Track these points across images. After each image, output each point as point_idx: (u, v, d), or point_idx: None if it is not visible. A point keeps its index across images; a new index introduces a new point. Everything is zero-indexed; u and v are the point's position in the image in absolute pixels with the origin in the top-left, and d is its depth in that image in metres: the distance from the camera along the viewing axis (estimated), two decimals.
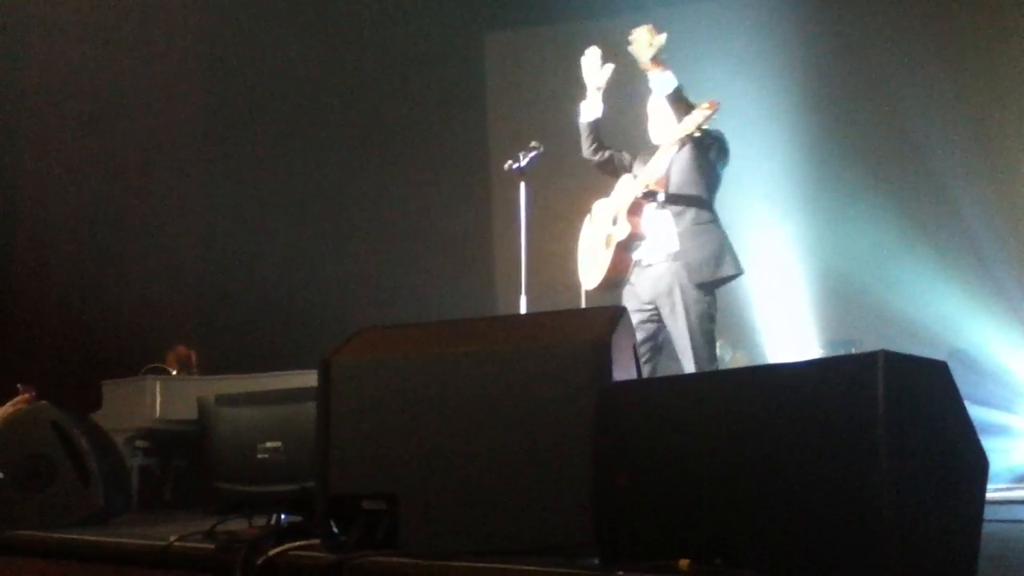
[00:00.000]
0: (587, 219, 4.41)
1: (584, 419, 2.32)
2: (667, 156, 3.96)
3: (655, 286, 3.97)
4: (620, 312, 2.81)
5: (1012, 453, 6.23)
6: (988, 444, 5.81)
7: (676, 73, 4.06)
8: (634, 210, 4.02)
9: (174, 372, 6.67)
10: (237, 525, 3.03)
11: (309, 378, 2.89)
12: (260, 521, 3.08)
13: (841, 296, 7.76)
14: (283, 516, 3.01)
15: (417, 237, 9.08)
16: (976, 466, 1.98)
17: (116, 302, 7.91)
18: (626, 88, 4.37)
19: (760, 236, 7.06)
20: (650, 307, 4.00)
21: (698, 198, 3.97)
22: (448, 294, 8.23)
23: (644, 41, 3.93)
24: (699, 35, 7.54)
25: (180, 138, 8.63)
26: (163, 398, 6.01)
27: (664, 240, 3.99)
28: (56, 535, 3.44)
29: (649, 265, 4.02)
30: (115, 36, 8.26)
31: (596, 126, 4.29)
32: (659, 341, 4.04)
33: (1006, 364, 6.93)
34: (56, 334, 7.68)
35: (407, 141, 9.32)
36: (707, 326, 3.88)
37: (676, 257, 3.93)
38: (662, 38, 3.95)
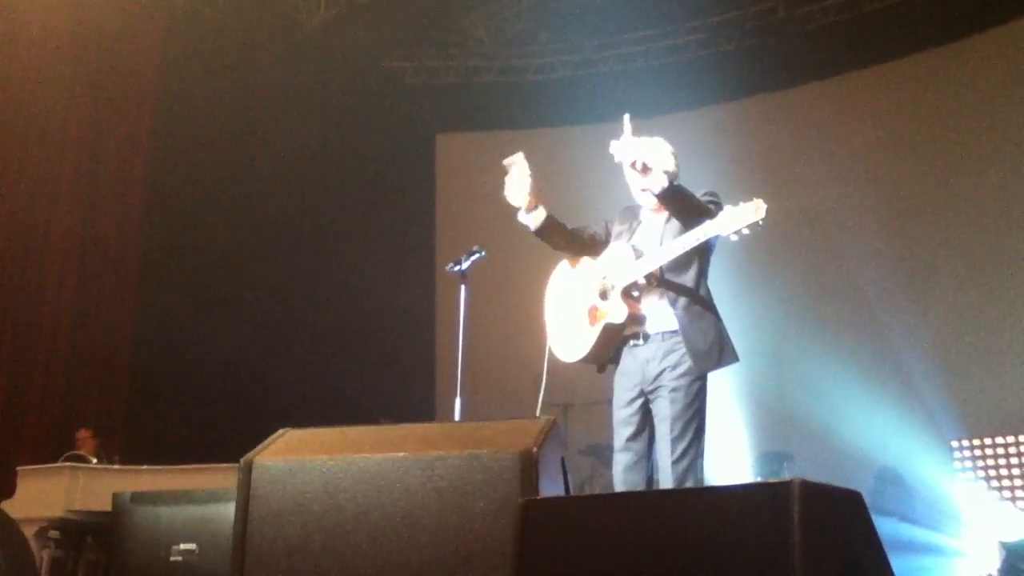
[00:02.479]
0: (560, 276, 3.98)
1: (509, 530, 2.30)
2: (678, 244, 3.55)
3: (644, 369, 3.62)
4: (550, 424, 2.81)
5: (938, 571, 6.25)
6: (914, 563, 5.82)
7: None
8: (630, 290, 3.67)
9: (94, 460, 6.45)
10: None
11: (234, 474, 2.81)
12: None
13: (777, 411, 7.87)
14: None
15: (359, 336, 9.02)
16: None
17: (40, 387, 7.68)
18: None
19: None
20: (637, 396, 3.64)
21: (695, 279, 3.66)
22: (388, 394, 8.15)
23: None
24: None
25: (118, 221, 8.53)
26: (81, 488, 5.77)
27: (658, 319, 3.65)
28: None
29: (636, 345, 3.67)
30: (63, 126, 8.20)
31: (548, 227, 3.81)
32: (651, 435, 3.62)
33: (933, 483, 7.04)
34: None
35: (353, 237, 9.35)
36: (699, 416, 3.53)
37: (672, 338, 3.59)
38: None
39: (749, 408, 7.87)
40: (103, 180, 8.48)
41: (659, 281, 3.66)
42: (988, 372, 7.62)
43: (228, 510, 2.66)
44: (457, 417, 4.21)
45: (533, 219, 3.77)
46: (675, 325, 3.60)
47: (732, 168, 8.65)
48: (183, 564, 2.90)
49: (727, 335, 3.66)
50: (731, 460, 7.50)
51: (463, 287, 4.53)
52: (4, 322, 7.63)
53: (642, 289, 3.69)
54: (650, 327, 3.66)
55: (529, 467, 2.54)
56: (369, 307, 9.12)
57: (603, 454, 7.15)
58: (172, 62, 8.78)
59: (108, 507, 3.67)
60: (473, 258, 4.56)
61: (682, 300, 3.63)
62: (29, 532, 5.10)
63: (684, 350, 3.57)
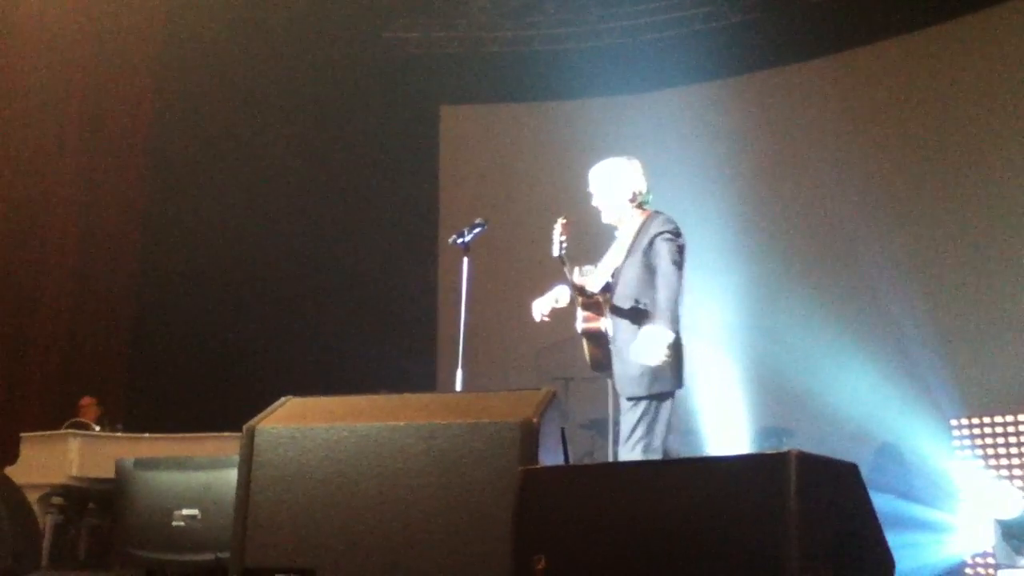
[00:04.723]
0: None
1: (508, 498, 2.32)
2: (614, 261, 3.66)
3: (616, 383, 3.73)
4: (550, 395, 2.83)
5: (934, 548, 6.30)
6: (912, 538, 5.85)
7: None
8: (586, 305, 3.71)
9: (97, 428, 6.50)
10: None
11: (236, 442, 2.83)
12: None
13: (777, 386, 7.86)
14: None
15: (362, 307, 9.03)
16: (882, 565, 2.02)
17: (42, 354, 7.70)
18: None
19: (696, 323, 7.16)
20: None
21: (645, 307, 3.62)
22: (389, 366, 8.16)
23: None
24: (627, 128, 7.81)
25: (120, 188, 8.53)
26: (83, 455, 5.82)
27: (612, 336, 3.72)
28: None
29: (613, 353, 3.73)
30: (64, 98, 8.16)
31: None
32: None
33: (931, 460, 7.07)
34: None
35: (356, 208, 9.33)
36: (645, 438, 3.51)
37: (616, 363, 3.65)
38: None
39: (749, 383, 7.88)
40: (105, 149, 8.47)
41: (608, 301, 3.69)
42: (988, 351, 7.61)
43: (231, 476, 2.69)
44: (458, 389, 4.24)
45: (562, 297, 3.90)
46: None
47: (735, 142, 8.62)
48: (185, 529, 2.93)
49: (672, 362, 3.53)
50: (730, 434, 7.52)
51: (465, 259, 4.54)
52: (6, 290, 7.65)
53: (595, 307, 3.71)
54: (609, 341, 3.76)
55: (529, 436, 2.56)
56: (372, 278, 9.12)
57: (604, 427, 7.16)
58: (173, 32, 8.73)
59: (111, 474, 3.69)
60: (476, 231, 4.57)
61: (623, 323, 3.64)
62: (32, 498, 5.15)
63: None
